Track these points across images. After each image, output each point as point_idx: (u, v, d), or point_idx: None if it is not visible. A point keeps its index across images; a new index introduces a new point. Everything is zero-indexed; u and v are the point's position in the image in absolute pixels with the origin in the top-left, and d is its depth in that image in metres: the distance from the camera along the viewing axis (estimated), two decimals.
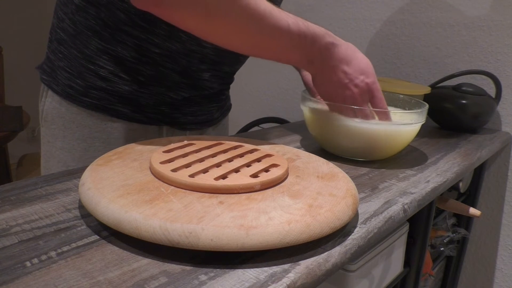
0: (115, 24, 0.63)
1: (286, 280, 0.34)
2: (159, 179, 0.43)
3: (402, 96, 0.77)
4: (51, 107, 0.69)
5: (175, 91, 0.69)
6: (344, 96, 0.61)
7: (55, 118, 0.68)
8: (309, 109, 0.68)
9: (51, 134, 0.69)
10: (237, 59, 0.76)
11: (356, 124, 0.62)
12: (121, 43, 0.64)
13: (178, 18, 0.52)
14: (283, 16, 0.54)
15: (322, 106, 0.67)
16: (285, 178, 0.47)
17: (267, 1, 0.53)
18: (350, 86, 0.59)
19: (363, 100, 0.61)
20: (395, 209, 0.50)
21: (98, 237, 0.38)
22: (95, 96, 0.66)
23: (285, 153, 0.55)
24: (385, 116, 0.62)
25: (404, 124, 0.64)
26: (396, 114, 0.66)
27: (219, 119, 0.82)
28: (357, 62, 0.59)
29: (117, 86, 0.65)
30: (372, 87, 0.60)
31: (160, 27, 0.63)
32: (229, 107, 0.86)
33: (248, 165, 0.47)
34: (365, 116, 0.61)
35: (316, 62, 0.59)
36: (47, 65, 0.69)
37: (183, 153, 0.49)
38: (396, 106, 0.75)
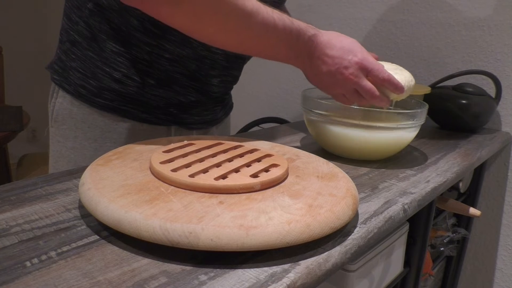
0: (127, 29, 0.63)
1: (286, 280, 0.34)
2: (159, 179, 0.43)
3: None
4: (62, 108, 0.69)
5: (184, 95, 0.70)
6: (338, 82, 0.58)
7: (66, 118, 0.68)
8: (309, 116, 0.68)
9: (61, 134, 0.70)
10: (244, 62, 0.77)
11: (357, 132, 0.63)
12: (135, 46, 0.64)
13: (166, 15, 0.52)
14: (269, 13, 0.55)
15: (322, 111, 0.67)
16: (285, 178, 0.47)
17: None
18: (340, 70, 0.57)
19: (359, 79, 0.58)
20: (395, 209, 0.50)
21: (98, 237, 0.38)
22: (108, 97, 0.66)
23: (285, 153, 0.55)
24: (390, 84, 0.59)
25: (404, 124, 0.64)
26: (396, 113, 0.66)
27: (222, 118, 0.83)
28: (340, 43, 0.57)
29: (129, 88, 0.66)
30: (363, 64, 0.57)
31: (172, 33, 0.64)
32: (231, 106, 0.87)
33: (248, 165, 0.47)
34: (369, 92, 0.58)
35: (302, 56, 0.59)
36: (58, 65, 0.70)
37: (183, 153, 0.49)
38: (396, 106, 0.75)
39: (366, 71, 0.58)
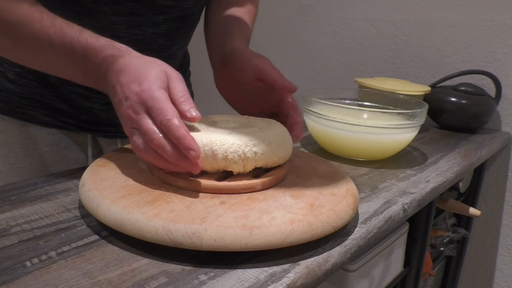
0: None
1: (286, 280, 0.34)
2: (160, 180, 0.43)
3: (402, 96, 0.76)
4: None
5: (88, 98, 0.63)
6: (120, 116, 0.45)
7: None
8: (309, 116, 0.68)
9: None
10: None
11: (357, 132, 0.63)
12: None
13: None
14: (44, 27, 0.47)
15: (322, 111, 0.67)
16: (286, 178, 0.47)
17: (31, 8, 0.47)
18: (121, 101, 0.44)
19: (137, 115, 0.42)
20: (395, 209, 0.50)
21: (98, 237, 0.38)
22: (4, 99, 0.62)
23: None
24: (172, 136, 0.41)
25: (404, 124, 0.64)
26: (396, 113, 0.66)
27: None
28: (134, 68, 0.44)
29: (25, 89, 0.62)
30: (142, 96, 0.42)
31: None
32: None
33: None
34: (146, 134, 0.42)
35: (100, 81, 0.48)
36: None
37: None
38: (396, 106, 0.75)
39: (146, 107, 0.42)
